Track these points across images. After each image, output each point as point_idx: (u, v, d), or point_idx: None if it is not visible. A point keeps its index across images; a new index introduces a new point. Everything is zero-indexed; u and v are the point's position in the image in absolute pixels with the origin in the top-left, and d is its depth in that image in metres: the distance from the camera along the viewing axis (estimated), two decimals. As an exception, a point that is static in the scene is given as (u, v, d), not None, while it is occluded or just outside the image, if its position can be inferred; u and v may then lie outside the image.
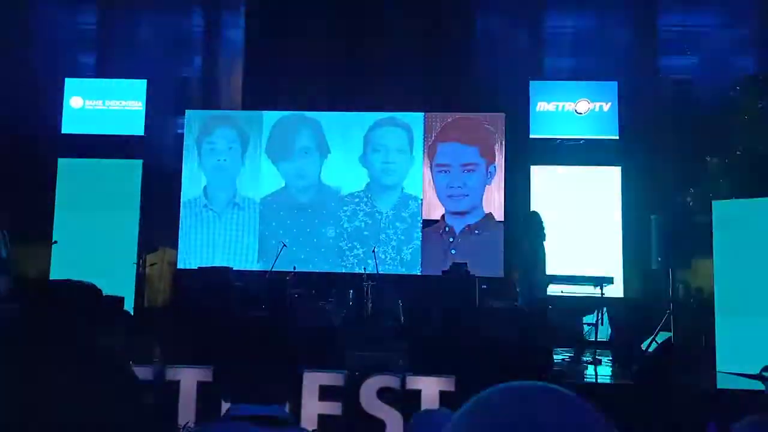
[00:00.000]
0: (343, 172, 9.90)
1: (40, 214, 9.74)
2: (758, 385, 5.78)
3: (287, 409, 1.72)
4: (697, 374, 6.64)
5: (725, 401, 5.31)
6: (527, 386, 0.77)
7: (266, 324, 1.81)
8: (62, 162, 10.00)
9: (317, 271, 9.54)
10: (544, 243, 7.44)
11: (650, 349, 7.49)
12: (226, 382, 1.71)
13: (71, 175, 9.97)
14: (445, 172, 9.76)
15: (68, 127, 10.07)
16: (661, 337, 7.54)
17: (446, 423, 0.78)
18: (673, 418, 3.68)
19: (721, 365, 6.94)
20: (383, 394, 4.92)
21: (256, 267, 9.67)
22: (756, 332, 6.75)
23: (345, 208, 9.82)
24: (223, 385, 1.70)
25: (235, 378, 1.69)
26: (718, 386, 6.31)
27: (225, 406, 1.75)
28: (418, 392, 4.93)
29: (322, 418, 4.79)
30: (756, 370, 6.33)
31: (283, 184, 9.95)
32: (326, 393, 4.89)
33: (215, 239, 9.87)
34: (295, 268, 8.91)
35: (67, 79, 10.15)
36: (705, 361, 6.95)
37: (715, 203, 7.25)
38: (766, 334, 6.63)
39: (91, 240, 9.78)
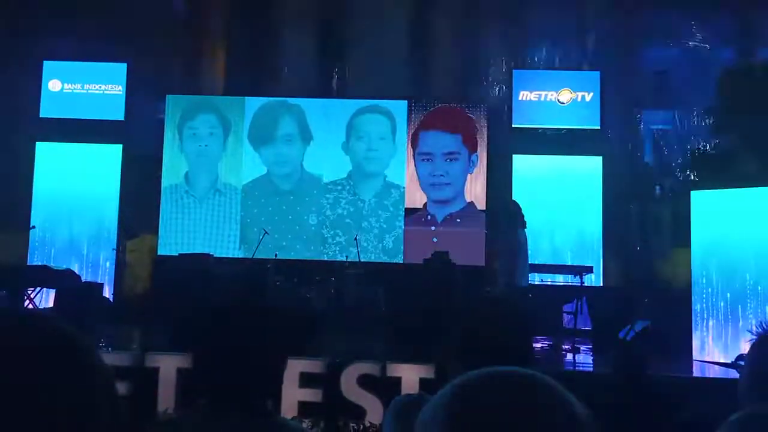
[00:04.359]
0: (326, 159, 9.86)
1: (17, 199, 9.62)
2: (733, 374, 5.88)
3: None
4: (673, 362, 6.73)
5: (701, 389, 5.39)
6: (506, 372, 0.77)
7: (249, 316, 1.67)
8: (40, 146, 9.86)
9: (299, 258, 9.52)
10: (525, 232, 7.48)
11: (628, 338, 7.58)
12: (205, 383, 1.60)
13: (50, 159, 9.84)
14: (428, 160, 9.76)
15: (47, 110, 9.92)
16: (639, 325, 7.63)
17: (425, 407, 0.78)
18: (650, 406, 3.73)
19: (697, 354, 7.04)
20: (364, 381, 4.94)
21: (237, 254, 9.62)
22: (732, 321, 6.85)
23: (327, 195, 9.80)
24: (202, 386, 1.60)
25: (216, 381, 1.58)
26: (694, 374, 6.41)
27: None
28: (398, 379, 4.96)
29: (303, 405, 4.80)
30: (731, 359, 6.44)
31: (265, 171, 9.89)
32: (307, 380, 4.90)
33: (196, 226, 9.81)
34: (276, 255, 8.88)
35: (45, 62, 9.99)
36: (682, 349, 7.05)
37: (693, 193, 7.33)
38: (741, 323, 6.73)
39: (70, 226, 9.69)
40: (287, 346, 1.70)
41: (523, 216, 7.41)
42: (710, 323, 7.02)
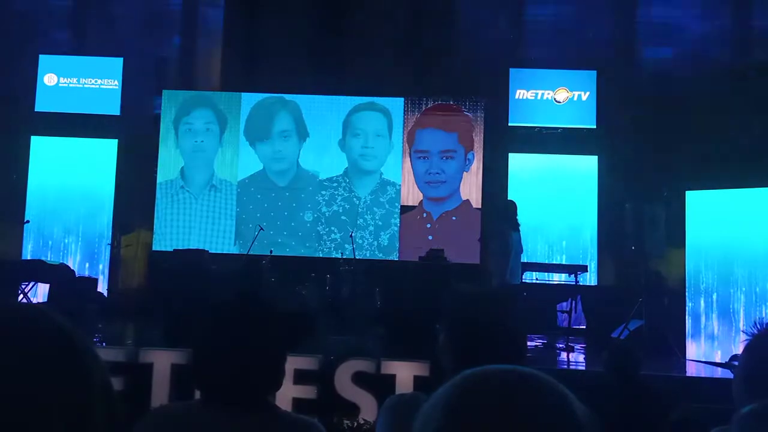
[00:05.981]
0: (322, 156, 9.85)
1: (12, 193, 9.59)
2: (727, 374, 5.90)
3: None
4: (667, 362, 6.75)
5: (694, 389, 5.41)
6: (505, 370, 0.77)
7: (253, 309, 1.65)
8: (35, 140, 9.83)
9: (294, 255, 9.51)
10: (519, 231, 7.48)
11: (622, 337, 7.60)
12: (203, 377, 1.58)
13: (45, 153, 9.81)
14: (424, 158, 9.76)
15: (42, 104, 9.88)
16: (633, 324, 7.65)
17: (420, 406, 0.78)
18: (643, 406, 3.74)
19: (691, 353, 7.06)
20: (358, 378, 4.94)
21: (232, 250, 9.61)
22: (726, 321, 6.87)
23: (323, 192, 9.79)
24: (199, 380, 1.58)
25: (216, 375, 1.56)
26: (688, 374, 6.42)
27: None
28: (392, 377, 4.96)
29: (297, 402, 4.80)
30: (725, 359, 6.45)
31: (261, 167, 9.88)
32: (301, 377, 4.89)
33: (191, 221, 9.79)
34: (271, 251, 8.87)
35: (41, 56, 9.94)
36: (675, 349, 7.07)
37: (688, 193, 7.34)
38: (735, 323, 6.75)
39: (65, 220, 9.66)
40: (288, 340, 1.70)
41: (517, 222, 7.38)
42: (704, 323, 7.04)
